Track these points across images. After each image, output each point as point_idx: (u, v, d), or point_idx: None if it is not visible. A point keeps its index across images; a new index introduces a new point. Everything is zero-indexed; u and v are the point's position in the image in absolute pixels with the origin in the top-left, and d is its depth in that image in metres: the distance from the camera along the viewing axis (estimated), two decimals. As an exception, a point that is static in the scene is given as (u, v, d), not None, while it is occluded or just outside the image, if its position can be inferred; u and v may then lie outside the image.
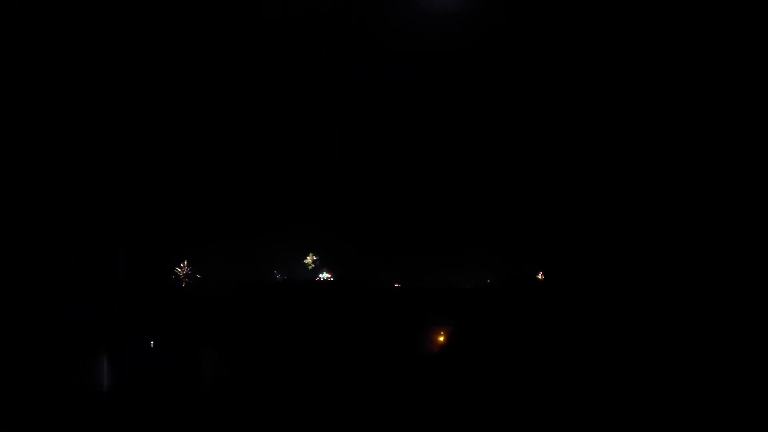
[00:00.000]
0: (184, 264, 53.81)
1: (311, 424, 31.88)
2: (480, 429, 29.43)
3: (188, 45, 50.27)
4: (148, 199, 51.54)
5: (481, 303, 39.04)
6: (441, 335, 38.53)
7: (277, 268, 55.52)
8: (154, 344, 42.14)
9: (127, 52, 49.54)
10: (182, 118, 52.21)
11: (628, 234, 40.72)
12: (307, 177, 53.93)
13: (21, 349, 36.14)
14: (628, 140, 44.20)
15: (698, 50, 41.61)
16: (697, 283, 34.66)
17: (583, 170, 46.22)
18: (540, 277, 47.84)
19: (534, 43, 47.64)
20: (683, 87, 42.84)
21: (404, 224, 54.03)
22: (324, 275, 55.48)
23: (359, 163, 54.18)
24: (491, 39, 47.52)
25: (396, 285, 52.17)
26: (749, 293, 32.45)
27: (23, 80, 47.11)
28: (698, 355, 29.67)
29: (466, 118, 51.79)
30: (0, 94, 46.07)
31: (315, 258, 55.79)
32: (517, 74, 49.27)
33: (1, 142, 46.58)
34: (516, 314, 36.75)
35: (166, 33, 49.67)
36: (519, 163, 50.52)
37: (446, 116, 52.05)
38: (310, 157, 54.15)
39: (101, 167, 50.49)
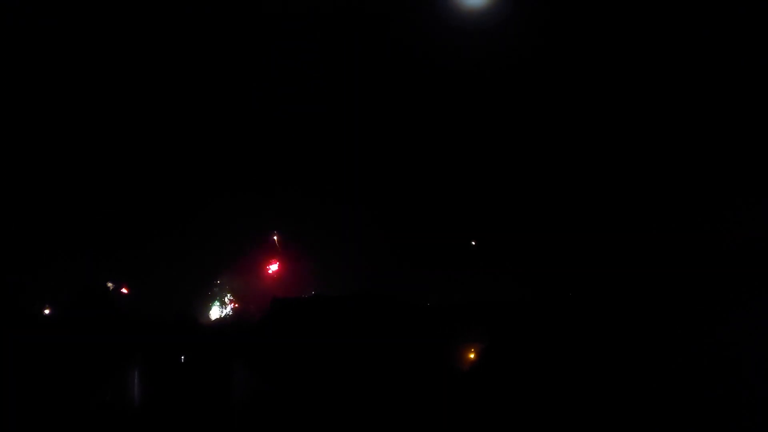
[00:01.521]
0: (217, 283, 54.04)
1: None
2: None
3: (188, 45, 49.72)
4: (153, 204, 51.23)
5: (515, 319, 38.27)
6: (472, 352, 37.84)
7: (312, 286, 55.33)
8: (184, 359, 42.21)
9: (125, 52, 49.07)
10: (183, 119, 51.78)
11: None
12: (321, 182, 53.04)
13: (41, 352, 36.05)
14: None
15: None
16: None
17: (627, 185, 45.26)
18: (571, 294, 46.81)
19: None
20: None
21: (432, 236, 53.35)
22: None
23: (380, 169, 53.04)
24: (499, 42, 46.58)
25: (428, 303, 51.53)
26: None
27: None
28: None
29: (482, 120, 50.91)
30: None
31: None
32: (553, 81, 48.35)
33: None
34: (552, 331, 35.88)
35: (166, 33, 49.08)
36: (555, 174, 49.69)
37: (462, 119, 51.21)
38: (318, 161, 53.16)
39: (104, 167, 50.23)
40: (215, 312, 52.77)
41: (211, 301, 52.98)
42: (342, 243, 52.38)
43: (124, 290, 48.61)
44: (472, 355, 37.85)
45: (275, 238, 55.61)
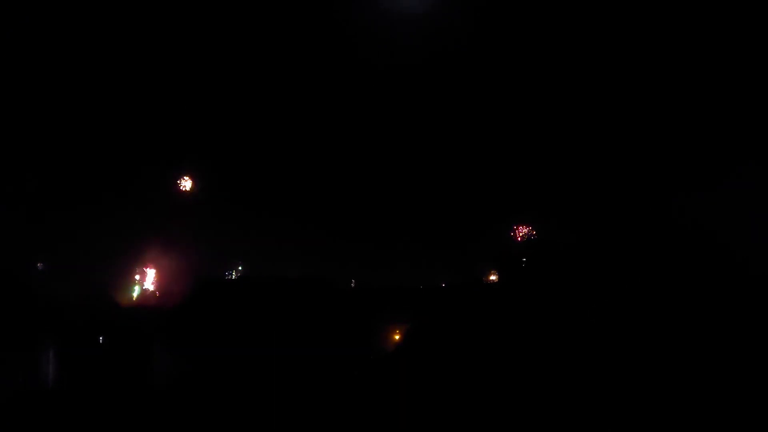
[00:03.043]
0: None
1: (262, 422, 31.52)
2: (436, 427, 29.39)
3: (188, 45, 49.89)
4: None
5: (438, 302, 39.13)
6: (397, 333, 38.46)
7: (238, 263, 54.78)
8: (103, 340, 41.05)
9: (124, 52, 48.96)
10: (182, 118, 51.88)
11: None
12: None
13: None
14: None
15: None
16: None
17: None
18: (494, 279, 48.20)
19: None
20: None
21: (363, 221, 54.14)
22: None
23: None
24: (493, 39, 47.49)
25: (352, 283, 51.86)
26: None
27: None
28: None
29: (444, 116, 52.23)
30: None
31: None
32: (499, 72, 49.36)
33: None
34: (475, 314, 36.85)
35: (165, 32, 49.10)
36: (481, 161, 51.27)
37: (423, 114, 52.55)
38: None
39: (94, 165, 49.72)
40: (137, 292, 51.28)
41: (135, 281, 51.44)
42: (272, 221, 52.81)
43: (38, 266, 46.39)
44: (396, 336, 38.56)
45: (187, 183, 54.84)
